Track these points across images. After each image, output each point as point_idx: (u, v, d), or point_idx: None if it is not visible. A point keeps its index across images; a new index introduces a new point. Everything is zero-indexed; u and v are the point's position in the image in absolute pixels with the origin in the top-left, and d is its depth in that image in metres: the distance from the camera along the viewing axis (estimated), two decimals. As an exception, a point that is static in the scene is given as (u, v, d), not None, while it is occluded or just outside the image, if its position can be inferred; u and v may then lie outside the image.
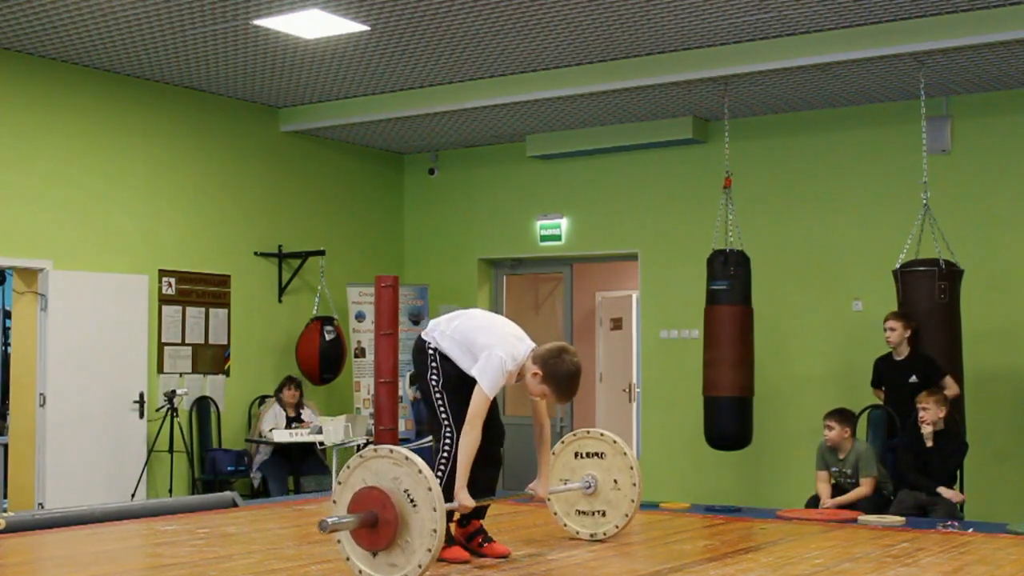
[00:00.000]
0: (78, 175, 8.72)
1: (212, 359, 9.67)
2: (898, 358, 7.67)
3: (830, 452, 7.16)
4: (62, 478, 8.37)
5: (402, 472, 4.10)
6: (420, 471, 4.05)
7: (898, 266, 7.90)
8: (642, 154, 10.33)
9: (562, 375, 4.56)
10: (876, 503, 6.90)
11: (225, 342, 9.79)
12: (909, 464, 6.99)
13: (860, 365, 8.30)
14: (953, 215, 8.51)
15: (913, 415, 7.13)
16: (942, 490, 6.82)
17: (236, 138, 9.90)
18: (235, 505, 6.31)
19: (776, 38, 7.88)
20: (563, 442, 5.37)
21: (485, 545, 4.71)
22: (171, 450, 8.94)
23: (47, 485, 8.31)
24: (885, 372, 7.82)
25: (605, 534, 5.20)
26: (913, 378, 7.50)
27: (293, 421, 9.50)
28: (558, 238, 10.86)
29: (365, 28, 7.68)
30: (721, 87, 8.74)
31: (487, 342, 4.57)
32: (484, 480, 4.73)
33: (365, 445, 9.17)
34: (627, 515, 5.16)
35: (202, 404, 9.53)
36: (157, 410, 8.99)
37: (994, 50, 7.72)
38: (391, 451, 4.15)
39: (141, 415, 8.91)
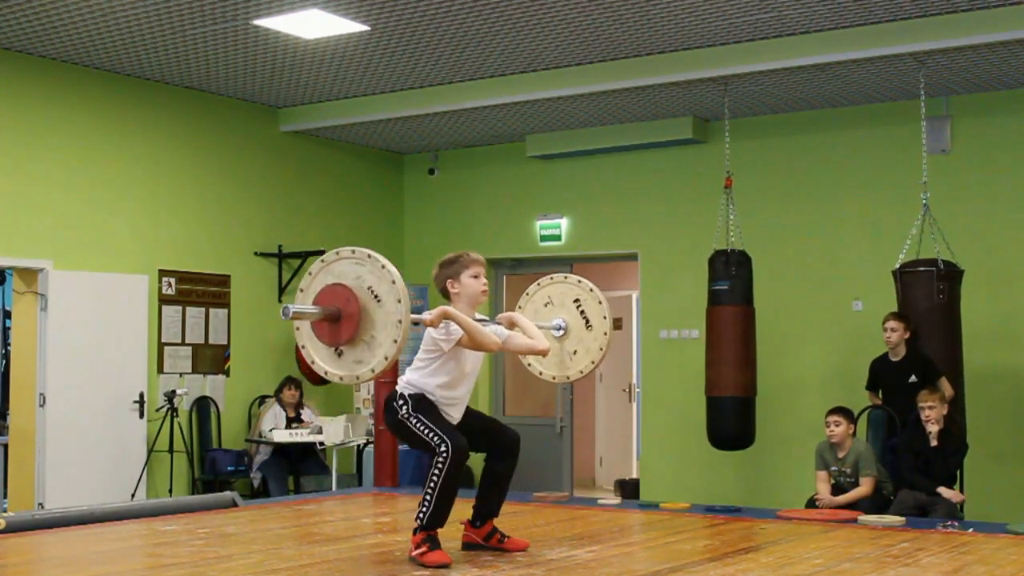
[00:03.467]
0: (78, 175, 8.72)
1: (212, 359, 9.67)
2: (895, 359, 7.69)
3: (830, 451, 7.16)
4: (62, 478, 8.37)
5: (364, 271, 4.16)
6: (383, 267, 4.12)
7: (897, 266, 7.91)
8: (642, 154, 10.33)
9: (457, 256, 4.65)
10: (876, 503, 6.90)
11: (225, 342, 9.79)
12: (909, 464, 6.98)
13: (860, 365, 8.29)
14: (953, 215, 8.50)
15: (914, 414, 7.13)
16: (942, 490, 6.82)
17: (236, 138, 9.90)
18: (235, 505, 6.30)
19: (776, 38, 7.88)
20: (527, 294, 5.37)
21: (505, 541, 4.74)
22: (171, 450, 8.94)
23: (47, 485, 8.31)
24: (882, 374, 7.82)
25: (581, 372, 5.23)
26: (913, 378, 7.51)
27: (293, 421, 9.50)
28: (558, 238, 10.86)
29: (365, 28, 7.68)
30: (721, 87, 8.74)
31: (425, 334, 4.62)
32: (498, 480, 4.75)
33: (365, 445, 9.18)
34: (601, 348, 5.17)
35: (202, 404, 9.53)
36: (157, 410, 8.99)
37: (994, 50, 7.72)
38: (352, 252, 4.22)
39: (141, 415, 8.91)
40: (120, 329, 8.84)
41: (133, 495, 8.61)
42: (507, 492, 4.81)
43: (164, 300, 9.31)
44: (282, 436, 9.21)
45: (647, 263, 10.36)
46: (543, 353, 4.93)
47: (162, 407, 8.94)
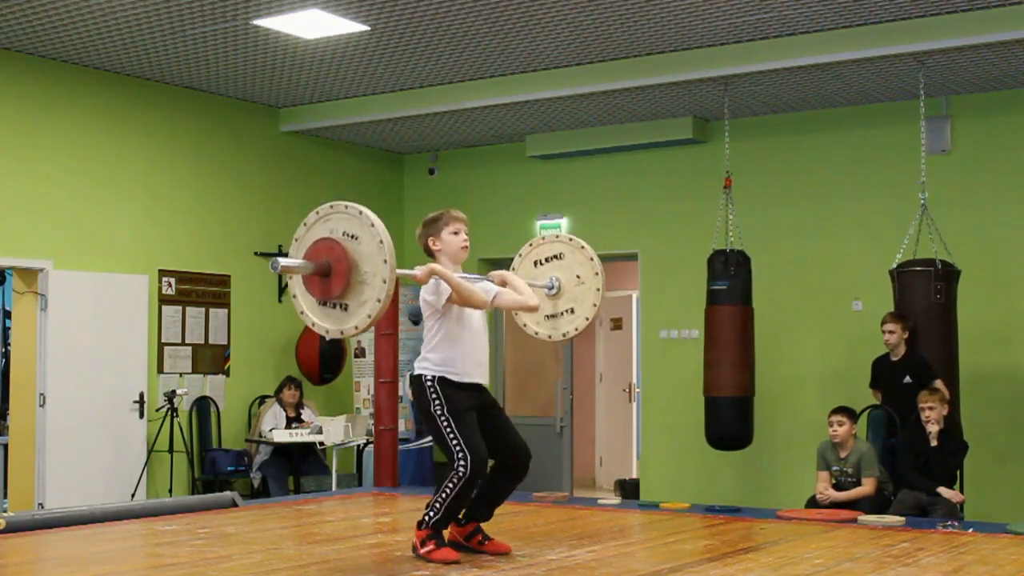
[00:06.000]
0: (78, 175, 8.72)
1: (212, 359, 9.67)
2: (894, 359, 7.71)
3: (832, 451, 7.16)
4: (62, 478, 8.36)
5: (333, 220, 4.29)
6: (346, 207, 4.27)
7: (894, 266, 7.91)
8: (642, 154, 10.33)
9: (439, 214, 4.69)
10: (876, 503, 6.90)
11: (225, 342, 9.79)
12: (909, 464, 6.99)
13: (860, 365, 8.30)
14: (952, 215, 8.51)
15: (914, 415, 7.14)
16: (942, 490, 6.82)
17: (236, 138, 9.90)
18: (235, 505, 6.31)
19: (776, 38, 7.88)
20: (520, 255, 5.39)
21: (486, 543, 4.71)
22: (171, 450, 8.94)
23: (47, 485, 8.31)
24: (882, 373, 7.85)
25: (576, 329, 5.28)
26: (907, 379, 7.52)
27: (293, 421, 9.50)
28: (558, 238, 10.84)
29: (365, 28, 7.68)
30: (721, 87, 8.74)
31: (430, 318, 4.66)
32: (496, 493, 4.74)
33: (365, 445, 9.19)
34: (595, 304, 5.23)
35: (202, 404, 9.53)
36: (157, 410, 8.99)
37: (994, 50, 7.72)
38: (317, 213, 4.35)
39: (141, 415, 8.91)
40: (120, 329, 8.84)
41: (133, 495, 8.61)
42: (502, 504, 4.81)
43: (164, 300, 9.31)
44: (282, 436, 9.21)
45: (647, 263, 10.36)
46: (533, 309, 4.92)
47: (162, 407, 8.94)
